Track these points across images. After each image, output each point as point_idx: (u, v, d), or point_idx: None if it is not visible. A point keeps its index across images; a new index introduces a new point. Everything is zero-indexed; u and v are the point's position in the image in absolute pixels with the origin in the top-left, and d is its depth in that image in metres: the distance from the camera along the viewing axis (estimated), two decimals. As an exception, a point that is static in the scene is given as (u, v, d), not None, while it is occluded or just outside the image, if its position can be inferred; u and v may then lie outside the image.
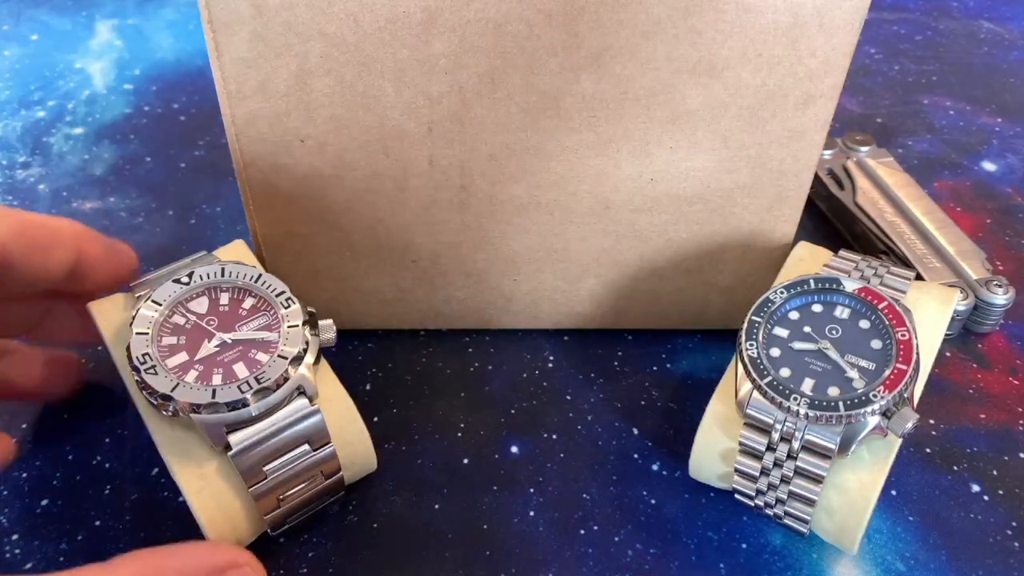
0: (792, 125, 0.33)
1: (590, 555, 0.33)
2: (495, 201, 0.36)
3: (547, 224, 0.37)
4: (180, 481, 0.30)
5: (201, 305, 0.32)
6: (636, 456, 0.37)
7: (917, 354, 0.30)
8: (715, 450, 0.33)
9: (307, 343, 0.31)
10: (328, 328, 0.32)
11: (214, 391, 0.29)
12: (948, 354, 0.41)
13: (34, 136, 0.53)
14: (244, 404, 0.29)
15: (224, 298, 0.32)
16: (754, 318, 0.32)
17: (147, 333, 0.31)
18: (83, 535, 0.33)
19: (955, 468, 0.36)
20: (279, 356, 0.30)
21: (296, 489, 0.31)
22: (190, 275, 0.32)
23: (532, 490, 0.35)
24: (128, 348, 0.30)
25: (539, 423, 0.38)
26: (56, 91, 0.57)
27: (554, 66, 0.32)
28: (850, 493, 0.30)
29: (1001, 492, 0.36)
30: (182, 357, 0.30)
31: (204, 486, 0.30)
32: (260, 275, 0.33)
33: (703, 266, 0.39)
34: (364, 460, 0.34)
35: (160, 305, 0.31)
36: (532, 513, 0.35)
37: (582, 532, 0.34)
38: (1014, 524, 0.34)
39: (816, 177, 0.48)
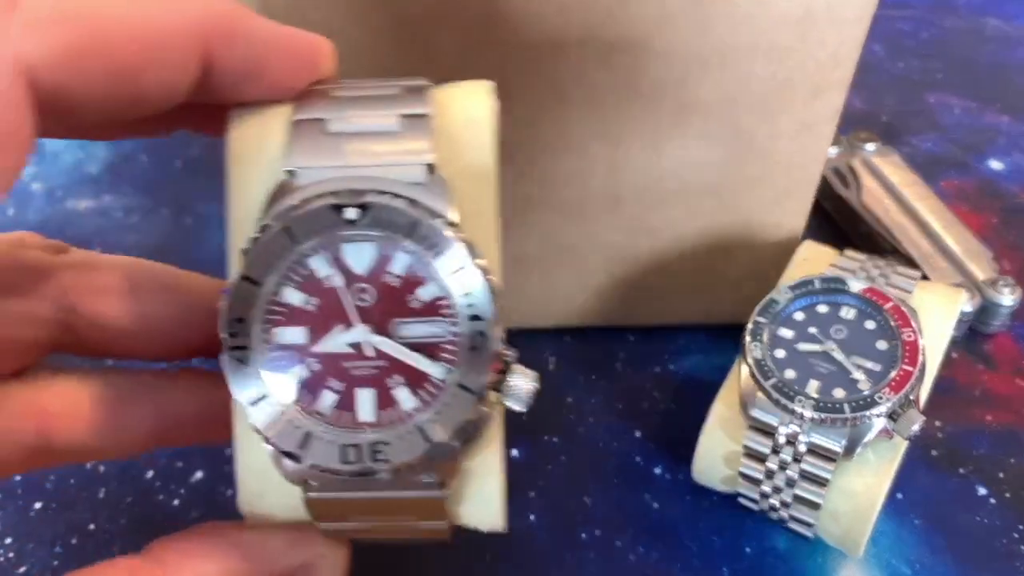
0: (802, 117, 0.33)
1: (591, 559, 0.33)
2: (504, 198, 0.35)
3: (557, 222, 0.36)
4: (238, 480, 0.23)
5: (361, 257, 0.20)
6: (638, 459, 0.36)
7: (923, 355, 0.30)
8: (719, 453, 0.32)
9: (479, 417, 0.21)
10: (519, 395, 0.21)
11: (306, 437, 0.20)
12: (954, 355, 0.41)
13: (30, 134, 0.53)
14: (337, 472, 0.20)
15: (403, 262, 0.20)
16: (758, 319, 0.32)
17: (262, 280, 0.20)
18: (77, 539, 0.33)
19: (961, 471, 0.36)
20: (419, 428, 0.20)
21: (378, 538, 0.24)
22: (364, 208, 0.19)
23: (533, 494, 0.35)
24: (234, 282, 0.20)
25: (539, 425, 0.38)
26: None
27: (564, 60, 0.31)
28: (855, 496, 0.30)
29: (1008, 495, 0.35)
30: (299, 335, 0.20)
31: (265, 490, 0.22)
32: (469, 259, 0.20)
33: (713, 260, 0.38)
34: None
35: (299, 242, 0.20)
36: (533, 517, 0.34)
37: (583, 536, 0.34)
38: (1021, 527, 0.34)
39: (821, 176, 0.48)
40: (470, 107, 0.23)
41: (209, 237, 0.46)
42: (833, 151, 0.49)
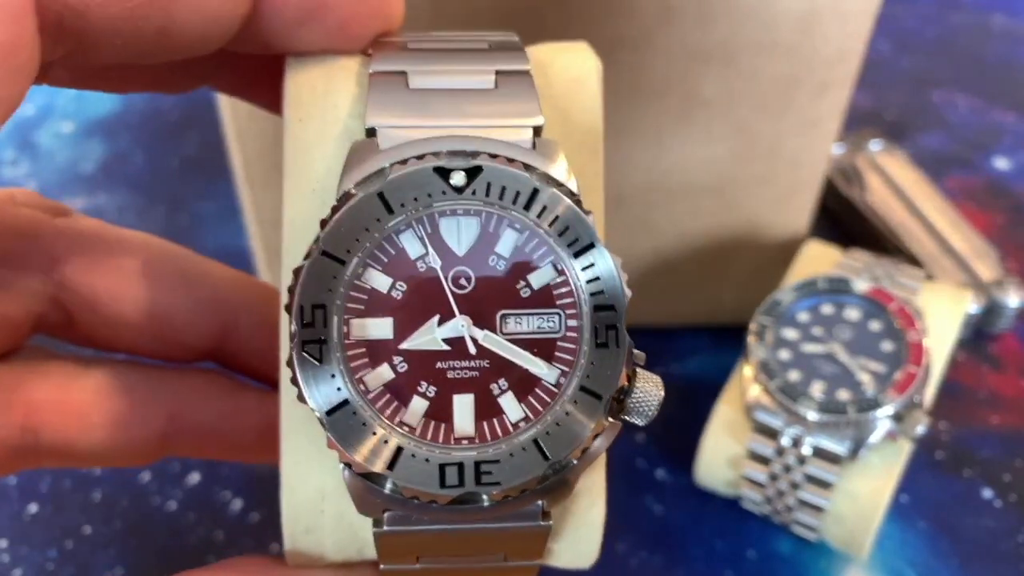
0: (807, 113, 0.33)
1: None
2: None
3: None
4: (284, 512, 0.19)
5: (462, 233, 0.17)
6: (640, 462, 0.36)
7: (928, 356, 0.30)
8: (722, 456, 0.32)
9: (602, 430, 0.17)
10: (645, 405, 0.18)
11: (396, 453, 0.16)
12: (960, 356, 0.41)
13: (22, 133, 0.52)
14: (433, 499, 0.16)
15: (511, 241, 0.17)
16: (762, 319, 0.32)
17: (345, 258, 0.16)
18: (72, 542, 0.32)
19: (966, 473, 0.36)
20: (534, 442, 0.16)
21: None
22: (473, 173, 0.16)
23: (533, 496, 0.35)
24: (300, 277, 0.16)
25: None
26: (44, 86, 0.56)
27: None
28: (860, 499, 0.30)
29: (1013, 498, 0.35)
30: (383, 327, 0.16)
31: (316, 525, 0.18)
32: (596, 236, 0.17)
33: (716, 260, 0.38)
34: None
35: (394, 212, 0.16)
36: (533, 519, 0.34)
37: (584, 539, 0.33)
38: (1028, 531, 0.34)
39: (825, 174, 0.47)
40: (574, 65, 0.20)
41: (205, 236, 0.45)
42: (838, 150, 0.48)
